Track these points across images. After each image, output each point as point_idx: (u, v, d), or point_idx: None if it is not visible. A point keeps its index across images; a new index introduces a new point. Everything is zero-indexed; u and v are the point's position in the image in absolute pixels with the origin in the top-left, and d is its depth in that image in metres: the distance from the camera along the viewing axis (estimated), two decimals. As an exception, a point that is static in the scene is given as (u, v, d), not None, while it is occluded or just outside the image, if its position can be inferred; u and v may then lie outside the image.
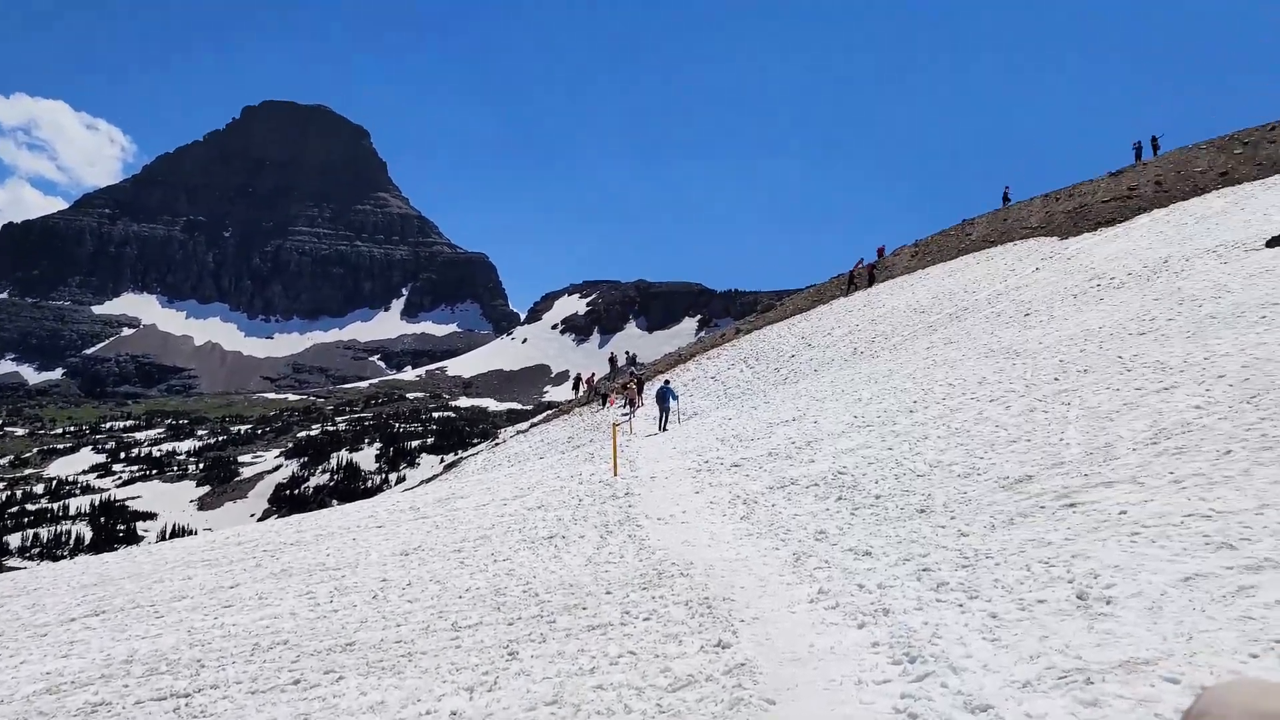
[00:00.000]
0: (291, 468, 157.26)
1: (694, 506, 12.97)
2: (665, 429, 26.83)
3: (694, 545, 10.38)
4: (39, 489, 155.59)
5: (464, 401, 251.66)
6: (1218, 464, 7.83)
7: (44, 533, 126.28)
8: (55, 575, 17.93)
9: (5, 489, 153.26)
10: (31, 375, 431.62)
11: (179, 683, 7.63)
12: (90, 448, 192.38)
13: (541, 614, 8.16)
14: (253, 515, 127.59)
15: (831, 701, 5.37)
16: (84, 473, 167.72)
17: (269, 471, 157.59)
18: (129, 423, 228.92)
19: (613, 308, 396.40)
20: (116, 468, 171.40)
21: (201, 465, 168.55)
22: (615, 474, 17.94)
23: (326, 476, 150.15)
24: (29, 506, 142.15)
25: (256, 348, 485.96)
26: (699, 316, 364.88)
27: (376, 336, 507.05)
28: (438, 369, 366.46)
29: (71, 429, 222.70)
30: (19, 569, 41.70)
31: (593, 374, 56.50)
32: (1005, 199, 49.25)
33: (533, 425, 51.13)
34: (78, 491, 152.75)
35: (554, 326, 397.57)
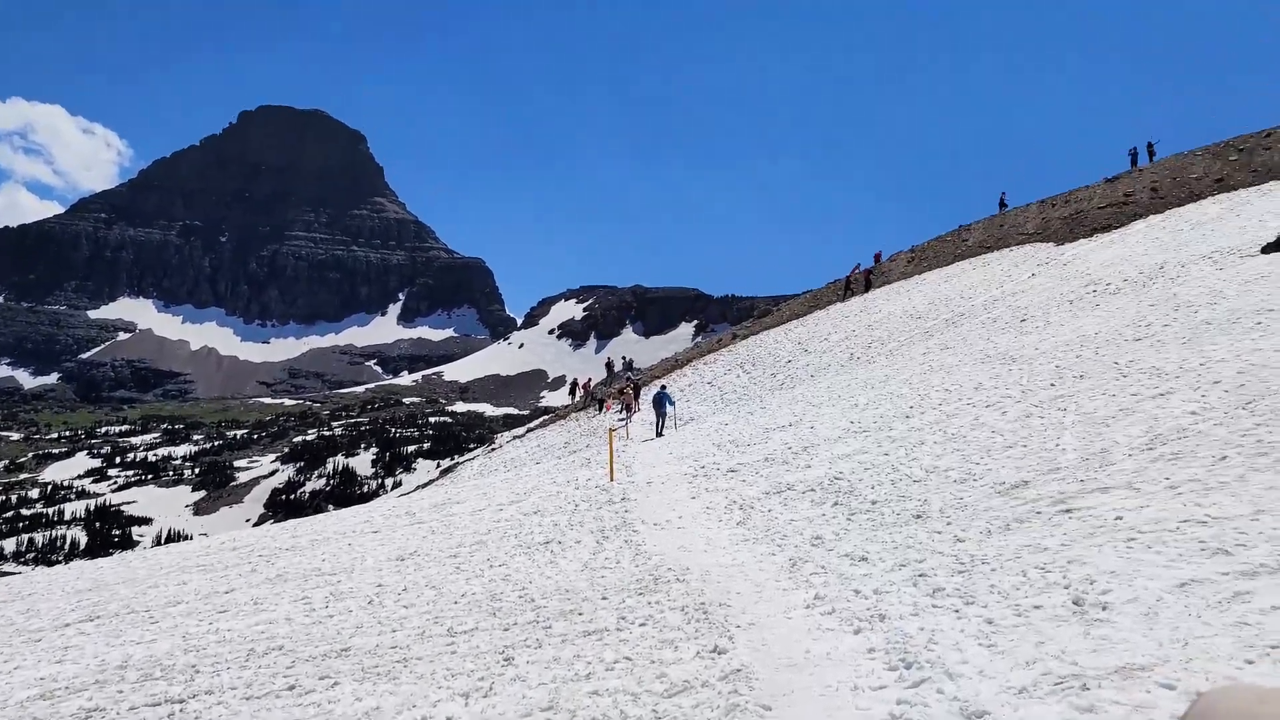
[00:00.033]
0: (287, 473, 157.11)
1: (690, 512, 12.96)
2: (662, 434, 26.82)
3: (690, 550, 10.37)
4: (34, 493, 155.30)
5: (460, 406, 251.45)
6: (1213, 470, 7.84)
7: (39, 537, 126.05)
8: (50, 580, 17.88)
9: (0, 494, 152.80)
10: (27, 379, 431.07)
11: (173, 688, 7.60)
12: (86, 452, 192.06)
13: (537, 619, 8.14)
14: (248, 520, 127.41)
15: (827, 707, 5.36)
16: (79, 477, 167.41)
17: (265, 476, 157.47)
18: (124, 427, 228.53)
19: (609, 313, 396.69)
20: (112, 472, 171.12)
21: (197, 470, 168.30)
22: (611, 479, 17.93)
23: (322, 481, 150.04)
24: (24, 511, 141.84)
25: (253, 352, 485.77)
26: (696, 322, 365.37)
27: (373, 341, 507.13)
28: (434, 374, 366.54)
29: (67, 433, 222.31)
30: (13, 574, 41.58)
31: (589, 379, 56.46)
32: (1002, 205, 49.32)
33: (529, 430, 51.10)
34: (73, 496, 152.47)
35: (551, 331, 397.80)
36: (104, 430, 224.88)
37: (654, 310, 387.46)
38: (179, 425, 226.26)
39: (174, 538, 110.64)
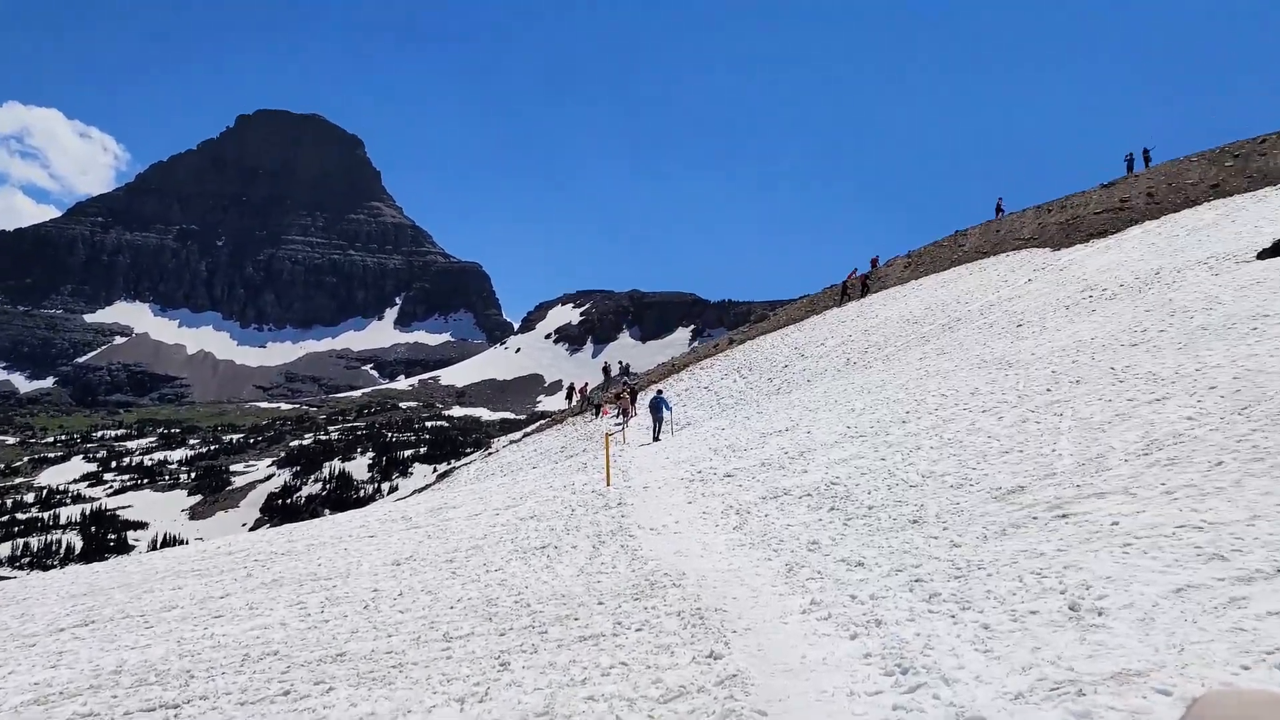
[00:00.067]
0: (284, 477, 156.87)
1: (687, 517, 12.94)
2: (658, 439, 26.80)
3: (686, 555, 10.36)
4: (29, 498, 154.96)
5: (457, 411, 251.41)
6: (1209, 475, 7.85)
7: (34, 542, 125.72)
8: (44, 585, 17.82)
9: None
10: (23, 384, 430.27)
11: (168, 693, 7.57)
12: (81, 456, 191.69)
13: (533, 624, 8.13)
14: (244, 525, 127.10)
15: (824, 713, 5.35)
16: (75, 482, 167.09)
17: (261, 481, 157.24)
18: (120, 431, 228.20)
19: (606, 317, 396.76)
20: (108, 477, 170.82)
21: (193, 474, 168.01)
22: (608, 484, 17.91)
23: (319, 486, 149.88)
24: (19, 515, 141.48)
25: (249, 356, 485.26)
26: (692, 326, 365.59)
27: (370, 346, 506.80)
28: (431, 378, 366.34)
29: (63, 438, 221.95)
30: (8, 578, 41.48)
31: (586, 384, 56.43)
32: (998, 210, 49.38)
33: (526, 435, 51.06)
34: (68, 500, 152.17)
35: (547, 336, 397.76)
36: (100, 434, 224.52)
37: (651, 315, 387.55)
38: (175, 429, 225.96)
39: (169, 542, 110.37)
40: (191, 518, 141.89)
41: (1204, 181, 36.18)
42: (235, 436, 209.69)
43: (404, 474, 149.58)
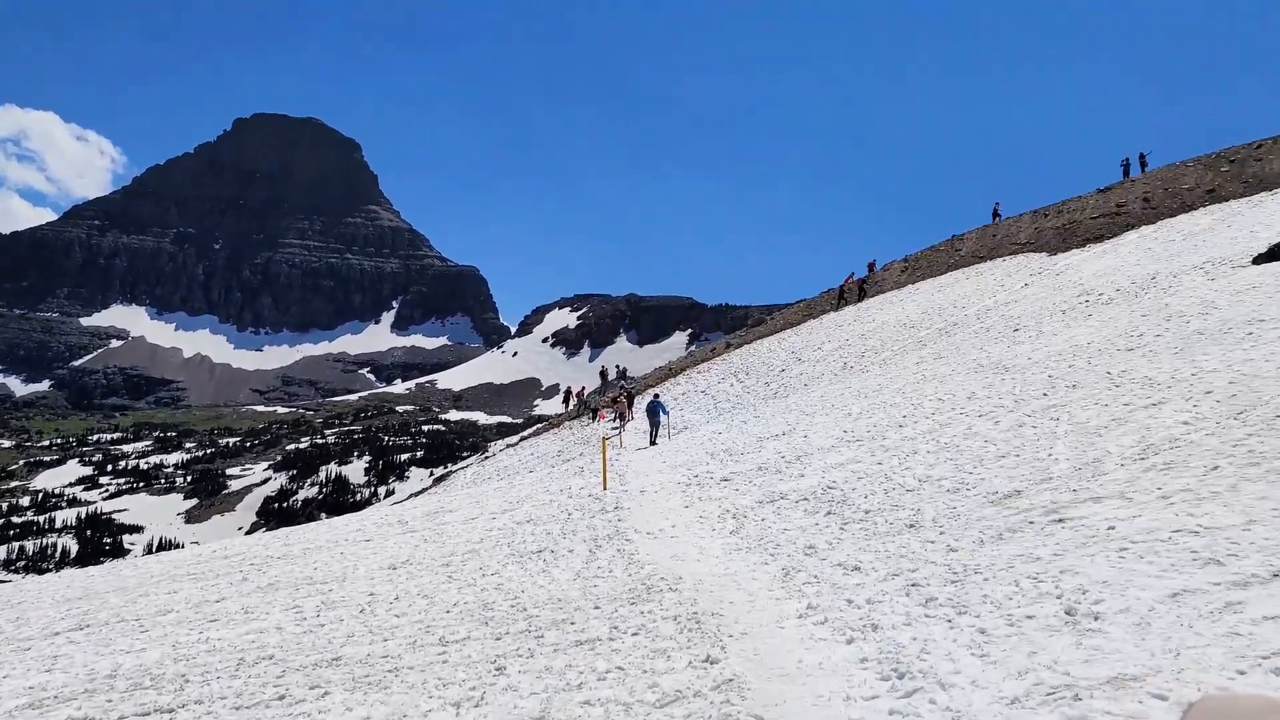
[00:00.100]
0: (280, 481, 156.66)
1: (683, 521, 12.94)
2: (655, 443, 26.79)
3: (683, 560, 10.35)
4: (25, 501, 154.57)
5: (454, 415, 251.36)
6: (1205, 480, 7.86)
7: (29, 545, 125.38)
8: (40, 588, 17.78)
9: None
10: (19, 387, 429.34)
11: (163, 698, 7.55)
12: (77, 460, 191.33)
13: (529, 629, 8.12)
14: (240, 528, 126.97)
15: (820, 718, 5.35)
16: (70, 485, 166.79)
17: (257, 484, 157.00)
18: (116, 435, 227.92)
19: (603, 321, 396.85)
20: (103, 480, 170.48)
21: (189, 478, 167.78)
22: (605, 488, 17.90)
23: (315, 490, 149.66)
24: (15, 519, 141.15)
25: (246, 360, 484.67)
26: (689, 330, 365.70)
27: (366, 349, 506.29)
28: (428, 382, 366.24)
29: (58, 441, 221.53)
30: (3, 582, 41.34)
31: (583, 388, 56.43)
32: (995, 215, 49.45)
33: (522, 439, 51.03)
34: (64, 504, 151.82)
35: (544, 340, 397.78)
36: (96, 438, 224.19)
37: (648, 319, 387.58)
38: (171, 433, 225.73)
39: (165, 546, 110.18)
40: (187, 521, 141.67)
41: (1200, 187, 36.27)
42: (231, 440, 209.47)
43: (400, 478, 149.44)
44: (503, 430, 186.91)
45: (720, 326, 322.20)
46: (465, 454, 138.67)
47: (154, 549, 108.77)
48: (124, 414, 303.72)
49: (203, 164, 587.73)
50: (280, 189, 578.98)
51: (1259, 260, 19.84)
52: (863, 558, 8.66)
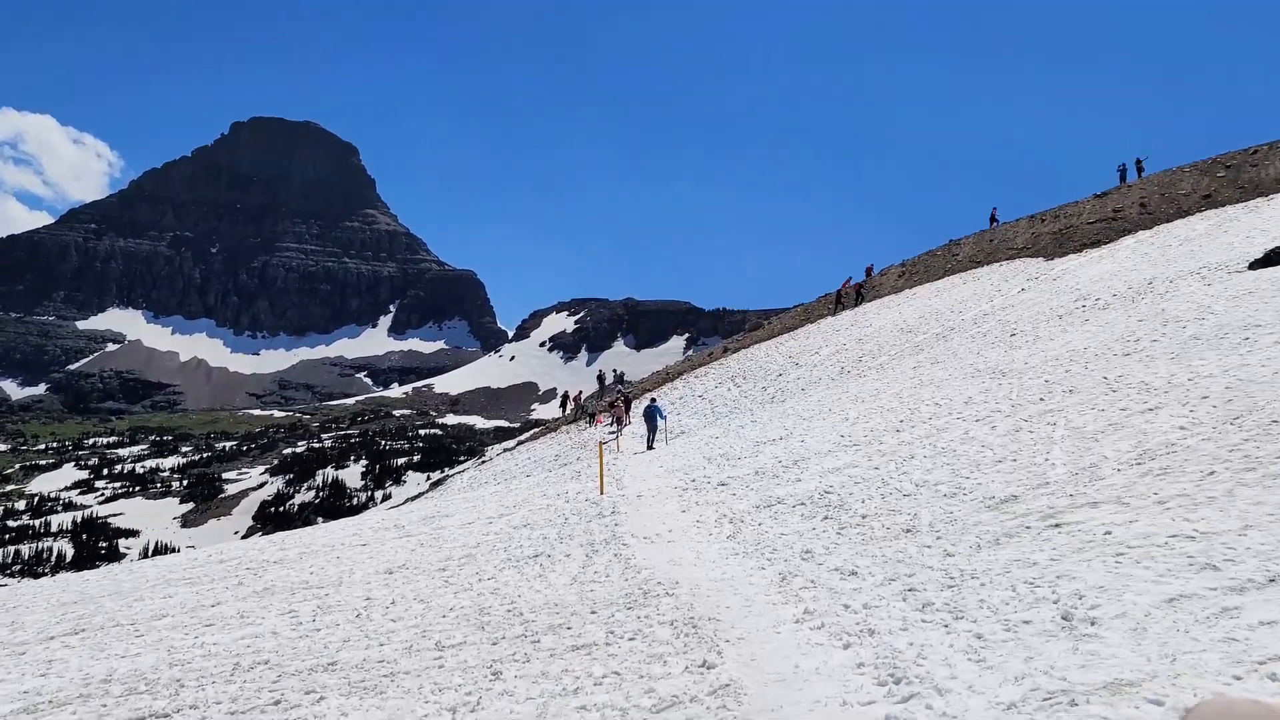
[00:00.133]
0: (276, 485, 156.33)
1: (680, 525, 12.93)
2: (652, 447, 26.79)
3: (680, 564, 10.34)
4: (20, 505, 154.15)
5: (451, 419, 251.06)
6: (1202, 485, 7.86)
7: (25, 549, 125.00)
8: (35, 593, 17.73)
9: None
10: (14, 390, 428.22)
11: (158, 703, 7.54)
12: (73, 464, 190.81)
13: (526, 633, 8.11)
14: (237, 533, 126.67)
15: (816, 723, 5.34)
16: (66, 489, 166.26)
17: (254, 488, 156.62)
18: (112, 439, 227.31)
19: (601, 325, 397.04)
20: (99, 484, 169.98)
21: (185, 482, 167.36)
22: (602, 492, 17.89)
23: (312, 494, 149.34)
24: (10, 523, 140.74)
25: (242, 364, 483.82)
26: (687, 335, 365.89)
27: (363, 353, 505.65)
28: (425, 386, 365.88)
29: (54, 445, 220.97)
30: (-2, 586, 41.19)
31: (580, 392, 56.42)
32: (992, 220, 49.55)
33: (520, 443, 51.01)
34: (60, 508, 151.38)
35: (542, 344, 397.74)
36: (92, 441, 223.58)
37: (645, 323, 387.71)
38: (167, 437, 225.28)
39: (161, 550, 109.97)
40: (183, 525, 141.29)
41: (1196, 192, 36.35)
42: (228, 444, 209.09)
43: (397, 482, 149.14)
44: (500, 434, 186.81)
45: (718, 331, 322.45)
46: (462, 458, 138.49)
47: (150, 553, 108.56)
48: (120, 418, 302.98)
49: (199, 168, 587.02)
50: (277, 193, 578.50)
51: (1255, 265, 19.88)
52: (859, 562, 8.66)
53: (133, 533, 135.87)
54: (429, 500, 34.21)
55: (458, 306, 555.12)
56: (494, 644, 7.92)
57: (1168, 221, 33.91)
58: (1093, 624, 5.72)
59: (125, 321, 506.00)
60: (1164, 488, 8.11)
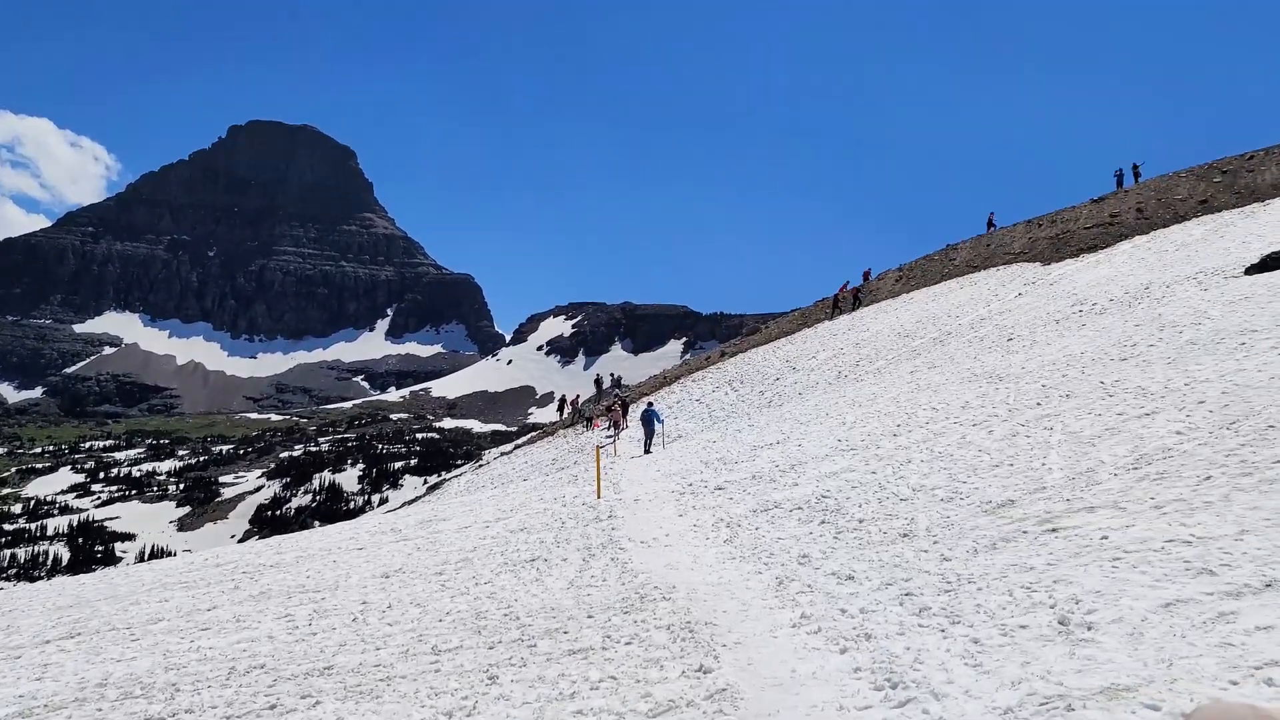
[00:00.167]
0: (273, 488, 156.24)
1: (677, 530, 12.92)
2: (649, 451, 26.78)
3: (677, 569, 10.33)
4: (17, 509, 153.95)
5: (448, 423, 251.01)
6: (1198, 489, 7.87)
7: (21, 553, 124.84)
8: (31, 596, 17.69)
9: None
10: (11, 394, 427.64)
11: (154, 707, 7.52)
12: (69, 467, 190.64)
13: (522, 638, 8.10)
14: (233, 536, 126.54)
15: (813, 727, 5.34)
16: (62, 493, 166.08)
17: (250, 492, 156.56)
18: (109, 442, 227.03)
19: (598, 329, 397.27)
20: (95, 488, 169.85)
21: (182, 486, 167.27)
22: (599, 496, 17.88)
23: (309, 497, 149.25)
24: (6, 526, 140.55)
25: (240, 367, 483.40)
26: (684, 339, 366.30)
27: (361, 357, 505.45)
28: (422, 390, 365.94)
29: (51, 448, 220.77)
30: (-6, 590, 41.10)
31: (577, 396, 56.41)
32: (989, 225, 49.63)
33: (517, 447, 50.97)
34: (56, 512, 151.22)
35: (539, 348, 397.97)
36: (88, 445, 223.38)
37: (643, 327, 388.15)
38: (164, 440, 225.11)
39: (157, 554, 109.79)
40: (180, 529, 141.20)
41: (1193, 197, 36.41)
42: (225, 448, 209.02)
43: (394, 486, 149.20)
44: (497, 438, 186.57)
45: (715, 335, 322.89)
46: (459, 462, 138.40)
47: (146, 557, 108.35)
48: (117, 421, 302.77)
49: (197, 171, 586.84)
50: (275, 196, 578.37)
51: (1251, 271, 19.92)
52: (856, 567, 8.66)
53: (129, 536, 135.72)
54: (426, 504, 34.18)
55: (455, 310, 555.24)
56: (490, 648, 7.91)
57: (1164, 227, 33.96)
58: (1089, 629, 5.72)
59: (122, 325, 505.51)
60: (1160, 493, 8.11)
